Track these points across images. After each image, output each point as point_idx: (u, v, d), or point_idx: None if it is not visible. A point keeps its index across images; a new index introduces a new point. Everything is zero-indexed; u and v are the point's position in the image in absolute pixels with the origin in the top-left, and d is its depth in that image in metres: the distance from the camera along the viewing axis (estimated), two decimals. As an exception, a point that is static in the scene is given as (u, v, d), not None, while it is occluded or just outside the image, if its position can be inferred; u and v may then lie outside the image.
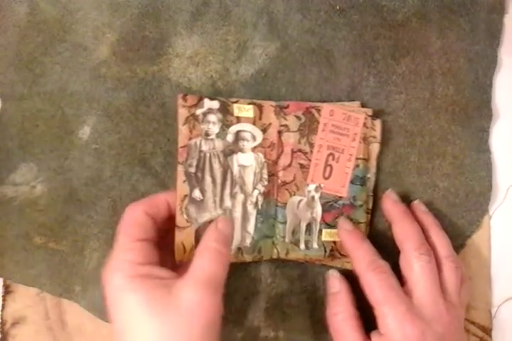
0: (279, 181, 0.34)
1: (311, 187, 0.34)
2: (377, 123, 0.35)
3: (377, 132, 0.35)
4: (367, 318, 0.32)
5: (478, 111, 0.37)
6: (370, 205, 0.35)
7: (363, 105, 0.36)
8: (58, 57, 0.36)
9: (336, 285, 0.34)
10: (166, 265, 0.30)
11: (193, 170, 0.33)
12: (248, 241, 0.33)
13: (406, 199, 0.36)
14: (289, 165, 0.34)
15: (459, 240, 0.36)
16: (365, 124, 0.35)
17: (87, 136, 0.36)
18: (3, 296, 0.35)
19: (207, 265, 0.28)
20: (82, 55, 0.36)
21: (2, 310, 0.35)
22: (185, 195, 0.32)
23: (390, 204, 0.35)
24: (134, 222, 0.30)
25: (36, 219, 0.35)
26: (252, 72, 0.36)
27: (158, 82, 0.36)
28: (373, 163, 0.35)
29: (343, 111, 0.35)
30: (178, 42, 0.36)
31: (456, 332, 0.31)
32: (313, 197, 0.34)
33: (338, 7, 0.36)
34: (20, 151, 0.36)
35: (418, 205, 0.35)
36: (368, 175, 0.35)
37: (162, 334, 0.26)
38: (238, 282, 0.35)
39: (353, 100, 0.36)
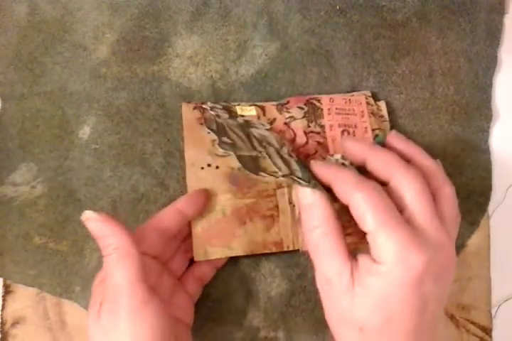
0: (302, 155, 0.33)
1: (337, 156, 0.30)
2: (382, 103, 0.36)
3: (384, 112, 0.35)
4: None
5: (478, 111, 0.37)
6: None
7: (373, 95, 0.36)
8: (58, 57, 0.36)
9: (307, 195, 0.27)
10: None
11: (214, 127, 0.32)
12: (299, 174, 0.29)
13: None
14: (307, 143, 0.34)
15: (459, 240, 0.36)
16: (368, 103, 0.35)
17: (87, 136, 0.36)
18: (3, 296, 0.35)
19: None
20: (82, 55, 0.36)
21: (2, 310, 0.35)
22: (213, 140, 0.32)
23: (352, 143, 0.29)
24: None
25: (36, 219, 0.35)
26: (252, 72, 0.36)
27: (158, 82, 0.36)
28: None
29: (342, 97, 0.35)
30: (178, 42, 0.36)
31: (454, 267, 0.27)
32: (343, 164, 0.30)
33: (338, 7, 0.36)
34: (20, 151, 0.36)
35: (395, 135, 0.30)
36: None
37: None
38: (238, 282, 0.35)
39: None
